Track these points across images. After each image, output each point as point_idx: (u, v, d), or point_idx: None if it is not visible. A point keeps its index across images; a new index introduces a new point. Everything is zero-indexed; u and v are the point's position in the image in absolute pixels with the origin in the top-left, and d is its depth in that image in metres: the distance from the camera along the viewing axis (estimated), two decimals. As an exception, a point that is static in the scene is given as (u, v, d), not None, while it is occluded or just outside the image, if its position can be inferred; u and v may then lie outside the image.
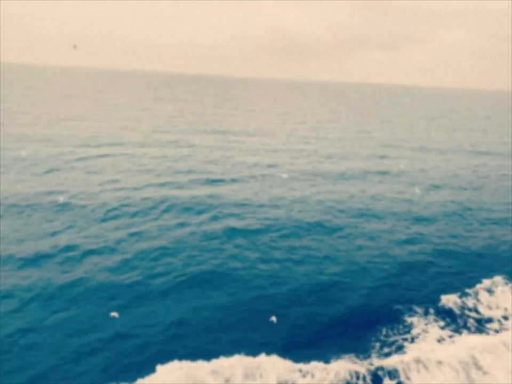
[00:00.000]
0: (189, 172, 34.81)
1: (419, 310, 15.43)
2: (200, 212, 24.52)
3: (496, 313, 15.47)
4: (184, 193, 28.20)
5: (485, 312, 15.50)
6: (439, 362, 12.56)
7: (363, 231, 22.84)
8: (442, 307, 15.62)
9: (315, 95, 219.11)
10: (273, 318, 14.14)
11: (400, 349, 13.15)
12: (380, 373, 12.10)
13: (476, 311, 15.57)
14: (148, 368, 11.78)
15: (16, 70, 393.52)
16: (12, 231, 20.32)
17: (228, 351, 12.58)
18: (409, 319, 14.79)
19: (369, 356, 12.75)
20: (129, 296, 15.13)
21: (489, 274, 18.37)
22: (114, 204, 25.06)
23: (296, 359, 12.44)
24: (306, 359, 12.50)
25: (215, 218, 23.58)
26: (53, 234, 20.18)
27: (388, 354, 12.84)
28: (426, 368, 12.40)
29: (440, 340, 13.68)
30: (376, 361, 12.47)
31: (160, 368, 11.73)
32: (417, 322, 14.65)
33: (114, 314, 13.84)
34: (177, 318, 13.97)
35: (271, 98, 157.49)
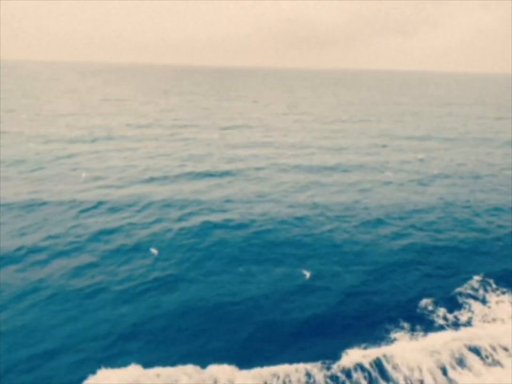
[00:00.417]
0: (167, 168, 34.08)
1: (394, 313, 14.49)
2: (176, 210, 23.76)
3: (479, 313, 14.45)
4: (164, 189, 27.47)
5: (464, 312, 14.48)
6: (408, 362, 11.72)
7: (347, 226, 21.84)
8: (419, 309, 14.64)
9: (340, 84, 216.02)
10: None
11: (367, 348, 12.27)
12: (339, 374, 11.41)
13: (458, 310, 14.56)
14: (92, 373, 11.14)
15: (17, 67, 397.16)
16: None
17: (181, 360, 11.89)
18: (386, 325, 13.86)
19: (332, 359, 11.90)
20: (85, 303, 14.48)
21: (475, 272, 17.30)
22: (93, 202, 24.46)
23: (249, 366, 11.66)
24: (258, 364, 11.71)
25: (191, 215, 22.79)
26: (21, 235, 19.64)
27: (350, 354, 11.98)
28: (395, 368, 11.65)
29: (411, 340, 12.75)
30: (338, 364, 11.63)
31: (104, 371, 11.24)
32: (390, 326, 13.72)
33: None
34: (130, 324, 13.28)
35: (281, 89, 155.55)
